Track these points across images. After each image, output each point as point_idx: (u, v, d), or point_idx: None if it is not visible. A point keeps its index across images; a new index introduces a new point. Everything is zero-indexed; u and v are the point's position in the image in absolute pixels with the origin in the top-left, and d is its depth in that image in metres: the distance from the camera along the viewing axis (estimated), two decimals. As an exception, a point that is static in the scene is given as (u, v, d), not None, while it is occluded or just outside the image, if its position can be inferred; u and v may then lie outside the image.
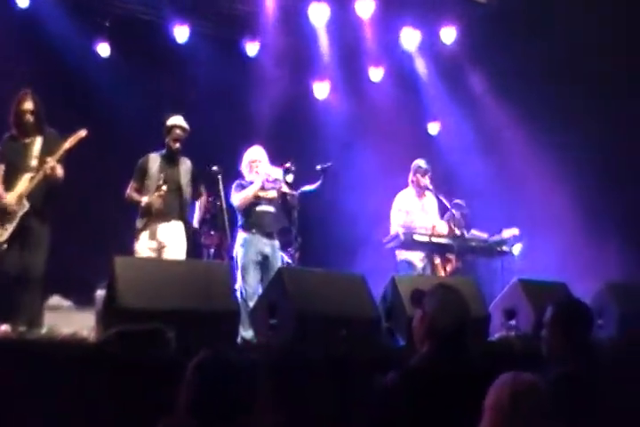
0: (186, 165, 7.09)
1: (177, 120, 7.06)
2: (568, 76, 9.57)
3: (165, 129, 7.04)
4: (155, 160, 7.00)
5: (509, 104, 10.26)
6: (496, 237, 8.25)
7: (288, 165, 7.40)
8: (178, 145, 7.01)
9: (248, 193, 7.44)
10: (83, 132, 6.38)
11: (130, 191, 6.98)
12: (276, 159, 7.70)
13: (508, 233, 8.31)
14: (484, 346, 5.64)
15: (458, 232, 8.21)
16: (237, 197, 7.48)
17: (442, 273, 8.09)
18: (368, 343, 5.28)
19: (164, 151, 7.07)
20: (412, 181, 8.33)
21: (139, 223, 6.87)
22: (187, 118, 7.13)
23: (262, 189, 7.48)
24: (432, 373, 3.19)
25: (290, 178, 7.36)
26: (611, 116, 9.34)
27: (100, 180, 8.64)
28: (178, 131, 7.01)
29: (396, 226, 8.07)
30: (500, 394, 2.67)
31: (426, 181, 8.21)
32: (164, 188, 6.78)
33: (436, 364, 3.22)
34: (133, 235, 6.87)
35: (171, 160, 7.04)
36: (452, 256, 8.09)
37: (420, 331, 3.36)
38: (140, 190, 6.93)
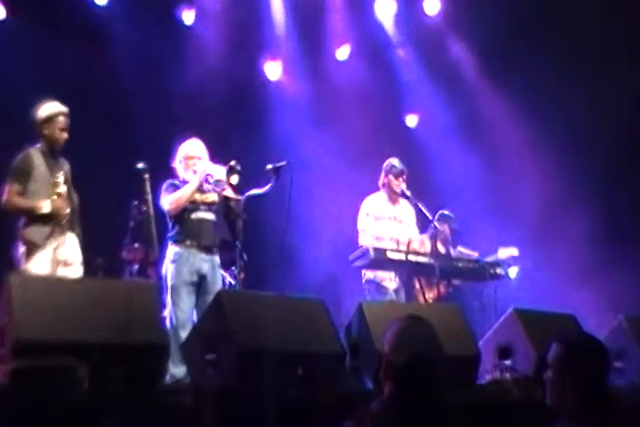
0: (67, 164, 7.03)
1: (59, 106, 6.96)
2: (569, 67, 9.69)
3: (44, 119, 6.89)
4: (38, 157, 6.89)
5: (502, 88, 10.36)
6: (490, 258, 8.29)
7: (233, 163, 7.36)
8: (66, 135, 6.94)
9: (182, 195, 7.38)
10: None
11: (12, 196, 6.81)
12: (217, 156, 7.65)
13: (504, 253, 8.37)
14: (472, 392, 5.65)
15: (443, 251, 8.22)
16: (168, 200, 7.42)
17: (422, 300, 8.10)
18: (329, 385, 5.27)
19: (42, 146, 6.95)
20: (384, 184, 8.37)
21: (34, 235, 6.70)
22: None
23: (200, 190, 7.43)
24: (391, 421, 3.20)
25: (234, 179, 7.32)
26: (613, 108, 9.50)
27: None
28: (62, 118, 6.93)
29: (363, 236, 8.09)
30: None
31: (401, 184, 8.24)
32: (64, 189, 6.73)
33: (394, 410, 3.23)
34: (23, 252, 6.70)
35: (54, 157, 6.95)
36: (438, 281, 8.09)
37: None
38: (24, 195, 6.81)
